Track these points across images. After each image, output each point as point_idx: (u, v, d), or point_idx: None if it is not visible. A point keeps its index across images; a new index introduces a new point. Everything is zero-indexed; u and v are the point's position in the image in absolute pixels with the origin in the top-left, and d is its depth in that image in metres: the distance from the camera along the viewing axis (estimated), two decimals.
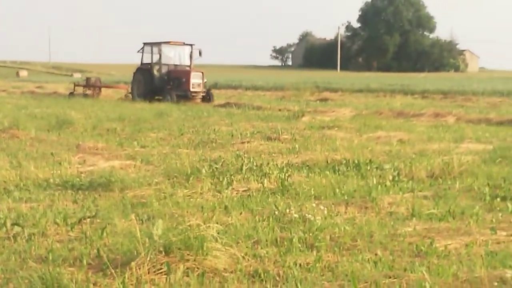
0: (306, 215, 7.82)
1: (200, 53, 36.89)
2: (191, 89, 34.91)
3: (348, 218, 7.97)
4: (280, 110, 27.78)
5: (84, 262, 6.01)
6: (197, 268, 5.85)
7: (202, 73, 36.09)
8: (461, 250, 6.67)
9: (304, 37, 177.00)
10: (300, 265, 6.06)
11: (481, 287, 5.14)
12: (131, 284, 5.43)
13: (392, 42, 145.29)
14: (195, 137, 16.54)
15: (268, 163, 11.58)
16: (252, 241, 6.86)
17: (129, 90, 38.62)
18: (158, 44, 36.53)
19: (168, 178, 10.42)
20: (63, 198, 9.09)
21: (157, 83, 36.07)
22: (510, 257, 6.41)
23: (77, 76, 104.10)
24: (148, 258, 5.73)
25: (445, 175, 10.89)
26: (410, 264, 6.08)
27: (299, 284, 5.50)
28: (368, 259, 6.22)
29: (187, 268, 5.81)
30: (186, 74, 35.58)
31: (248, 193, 9.46)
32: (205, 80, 36.27)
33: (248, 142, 15.46)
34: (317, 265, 6.07)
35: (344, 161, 11.94)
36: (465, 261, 6.19)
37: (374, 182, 10.15)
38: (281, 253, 6.46)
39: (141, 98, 35.26)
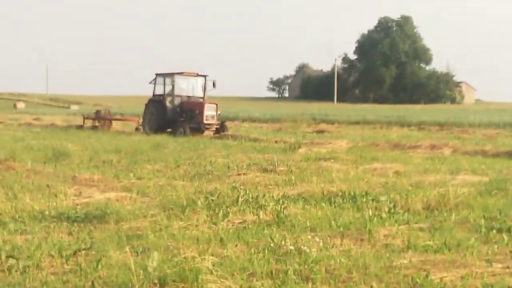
0: (302, 247, 7.80)
1: (214, 85, 36.29)
2: (205, 121, 34.17)
3: (343, 250, 7.95)
4: (276, 142, 27.79)
5: None
6: None
7: (216, 104, 35.35)
8: (457, 282, 6.66)
9: (301, 68, 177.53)
10: None
11: None
12: None
13: (388, 74, 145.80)
14: (191, 168, 16.53)
15: (264, 195, 11.58)
16: (247, 273, 6.84)
17: (140, 123, 37.83)
18: (171, 75, 35.86)
19: (164, 210, 10.42)
20: (58, 230, 9.07)
21: (170, 115, 35.26)
22: None
23: (74, 107, 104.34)
24: None
25: (441, 207, 10.89)
26: None
27: None
28: None
29: None
30: (200, 106, 34.85)
31: (244, 225, 9.44)
32: (219, 112, 35.60)
33: (244, 174, 15.44)
34: None
35: (340, 193, 11.94)
36: None
37: (370, 214, 10.14)
38: (277, 285, 6.45)
39: (153, 131, 34.51)
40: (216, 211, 10.11)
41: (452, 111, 77.75)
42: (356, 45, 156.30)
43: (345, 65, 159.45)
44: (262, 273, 6.83)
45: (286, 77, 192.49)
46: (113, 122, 41.07)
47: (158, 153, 21.16)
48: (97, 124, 39.82)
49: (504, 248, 8.22)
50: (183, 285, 5.94)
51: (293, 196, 11.96)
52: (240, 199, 11.03)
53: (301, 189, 12.69)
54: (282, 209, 10.32)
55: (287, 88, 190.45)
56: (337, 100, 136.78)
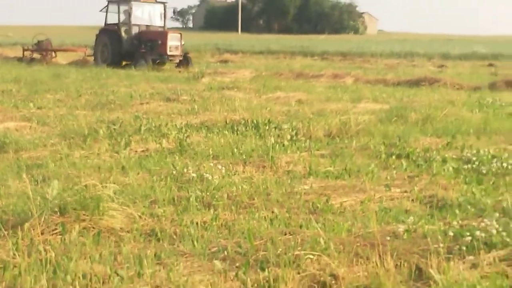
0: (204, 174, 7.81)
1: (174, 12, 34.66)
2: (169, 53, 31.58)
3: (245, 177, 7.99)
4: (179, 71, 27.64)
5: None
6: (93, 228, 5.78)
7: (181, 34, 33.23)
8: (356, 206, 6.79)
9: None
10: (197, 223, 6.04)
11: (374, 241, 5.21)
12: (25, 245, 5.32)
13: (292, 4, 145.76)
14: (93, 98, 16.32)
15: (167, 124, 11.54)
16: (149, 200, 6.81)
17: (86, 54, 34.96)
18: (127, 2, 32.49)
19: (65, 139, 10.25)
20: None
21: (126, 46, 32.33)
22: (403, 213, 6.57)
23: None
24: (43, 219, 5.63)
25: (342, 134, 11.06)
26: (306, 221, 6.12)
27: (195, 242, 5.49)
28: (265, 217, 6.26)
29: (83, 228, 5.73)
30: (162, 35, 32.05)
31: (146, 154, 9.41)
32: (183, 43, 32.95)
33: (147, 103, 15.37)
34: (214, 223, 6.08)
35: (243, 121, 11.98)
36: (360, 217, 6.29)
37: (272, 141, 10.17)
38: (178, 212, 6.45)
39: (107, 63, 31.53)
40: (118, 140, 10.02)
41: (355, 41, 78.53)
42: None
43: None
44: (164, 200, 6.81)
45: (190, 7, 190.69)
46: (57, 53, 36.66)
47: (59, 82, 20.79)
48: (34, 56, 35.36)
49: (402, 173, 8.41)
50: (84, 212, 5.87)
51: (196, 125, 11.95)
52: (142, 128, 10.97)
53: (204, 117, 12.68)
54: (185, 138, 10.31)
55: (191, 18, 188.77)
56: (242, 31, 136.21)
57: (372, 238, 5.36)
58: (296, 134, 10.96)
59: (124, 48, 32.34)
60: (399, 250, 5.16)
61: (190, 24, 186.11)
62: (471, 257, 5.07)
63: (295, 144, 10.22)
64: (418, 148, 9.90)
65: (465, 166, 8.66)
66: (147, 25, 33.21)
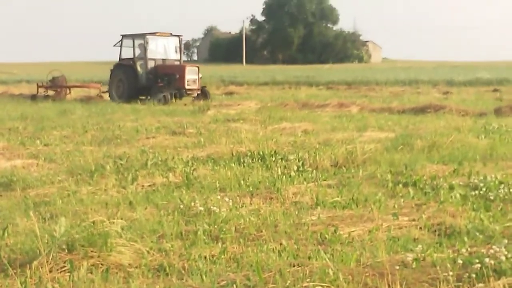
0: (211, 207, 7.81)
1: (188, 46, 34.47)
2: (187, 86, 30.78)
3: (253, 209, 7.99)
4: (185, 104, 27.73)
5: None
6: (101, 264, 5.79)
7: (198, 67, 32.44)
8: (364, 236, 6.78)
9: (209, 31, 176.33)
10: (205, 257, 6.05)
11: (383, 271, 5.20)
12: (33, 284, 5.33)
13: (296, 34, 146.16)
14: (99, 133, 16.35)
15: (173, 158, 11.57)
16: (157, 235, 6.81)
17: (102, 90, 34.05)
18: (142, 35, 31.98)
19: (72, 175, 10.26)
20: None
21: (143, 81, 31.68)
22: (411, 241, 6.56)
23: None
24: (51, 257, 5.64)
25: (349, 163, 11.05)
26: (314, 252, 6.12)
27: (204, 276, 5.49)
28: (273, 249, 6.26)
29: (91, 265, 5.74)
30: (180, 69, 31.30)
31: (153, 188, 9.41)
32: (200, 76, 32.19)
33: (153, 137, 15.39)
34: (222, 256, 6.08)
35: (249, 153, 11.98)
36: (368, 247, 6.28)
37: (279, 172, 10.23)
38: (186, 246, 6.44)
39: (124, 98, 30.69)
40: (125, 175, 10.03)
41: (360, 70, 78.71)
42: (264, 6, 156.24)
43: (253, 27, 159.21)
44: (172, 234, 6.81)
45: (195, 40, 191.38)
46: (71, 90, 35.64)
47: (65, 119, 20.85)
48: (49, 93, 34.35)
49: (410, 201, 8.40)
50: (92, 249, 5.88)
51: (202, 158, 11.96)
52: (149, 162, 10.98)
53: (211, 150, 12.69)
54: (191, 171, 10.32)
55: (195, 51, 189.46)
56: (246, 62, 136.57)
57: (381, 268, 5.35)
58: (303, 164, 10.97)
59: (140, 83, 31.79)
60: (408, 279, 5.15)
61: (195, 57, 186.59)
62: (481, 285, 5.06)
63: (301, 174, 10.22)
64: (425, 175, 9.89)
65: (473, 193, 8.65)
66: (163, 59, 32.55)
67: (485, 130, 15.70)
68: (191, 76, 31.12)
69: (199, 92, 31.41)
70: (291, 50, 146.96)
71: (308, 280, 5.10)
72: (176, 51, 33.05)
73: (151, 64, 31.89)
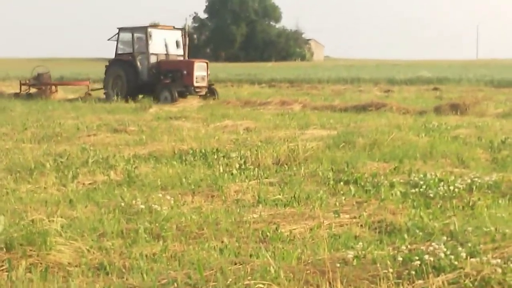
0: (153, 205, 7.77)
1: (195, 40, 32.62)
2: (195, 84, 28.38)
3: (194, 207, 7.98)
4: (127, 102, 27.52)
5: None
6: (41, 263, 5.73)
7: (207, 63, 29.86)
8: (306, 234, 6.80)
9: None
10: (146, 255, 6.02)
11: (324, 268, 5.22)
12: None
13: (239, 32, 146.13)
14: (40, 131, 16.10)
15: (114, 155, 11.51)
16: (98, 234, 6.76)
17: (90, 88, 32.21)
18: (143, 28, 29.66)
19: (11, 173, 10.12)
20: None
21: (144, 78, 29.29)
22: (352, 238, 6.61)
23: None
24: None
25: (291, 161, 11.08)
26: (255, 250, 6.13)
27: (145, 275, 5.45)
28: (214, 247, 6.25)
29: (30, 264, 5.68)
30: (189, 65, 28.72)
31: (94, 186, 9.34)
32: (208, 73, 29.75)
33: (94, 135, 15.24)
34: (163, 255, 6.06)
35: (191, 151, 11.96)
36: (309, 245, 6.31)
37: (221, 170, 10.23)
38: (127, 244, 6.41)
39: (123, 97, 28.17)
40: (65, 173, 9.94)
41: (302, 68, 78.91)
42: (206, 3, 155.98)
43: (196, 24, 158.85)
44: (112, 232, 6.76)
45: None
46: (57, 88, 33.04)
47: (4, 116, 20.50)
48: (31, 91, 32.09)
49: (351, 199, 8.46)
50: (30, 248, 5.81)
51: (144, 156, 11.90)
52: (90, 160, 10.91)
53: (152, 148, 12.64)
54: (133, 169, 10.26)
55: None
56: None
57: (322, 265, 5.37)
58: (245, 162, 10.96)
59: (141, 79, 29.40)
60: (349, 276, 5.18)
61: None
62: (420, 281, 5.11)
63: (243, 172, 10.22)
64: (366, 173, 9.97)
65: (413, 190, 8.73)
66: (165, 54, 30.04)
67: (425, 128, 15.86)
68: (200, 72, 28.91)
69: (206, 89, 29.27)
70: (234, 47, 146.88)
71: (249, 278, 5.09)
72: (178, 46, 30.49)
73: (153, 59, 29.50)
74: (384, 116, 19.51)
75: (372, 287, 5.03)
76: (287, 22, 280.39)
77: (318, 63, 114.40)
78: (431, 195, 8.49)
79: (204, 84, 28.92)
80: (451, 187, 8.69)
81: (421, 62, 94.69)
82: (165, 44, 29.90)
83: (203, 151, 11.90)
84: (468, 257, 5.43)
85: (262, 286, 4.96)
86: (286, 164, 10.95)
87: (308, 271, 5.27)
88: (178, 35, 30.72)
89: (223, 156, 11.53)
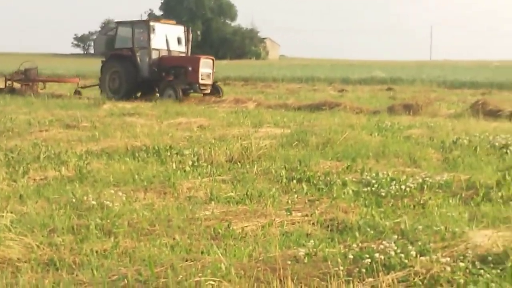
0: (105, 202, 7.72)
1: (198, 36, 31.12)
2: (200, 81, 27.11)
3: (147, 203, 7.93)
4: (80, 98, 27.30)
5: None
6: None
7: (213, 60, 28.65)
8: (258, 231, 6.80)
9: (106, 24, 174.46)
10: (97, 252, 5.98)
11: (275, 266, 5.23)
12: None
13: (194, 30, 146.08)
14: None
15: (66, 151, 11.43)
16: (48, 229, 6.69)
17: (78, 86, 31.45)
18: (145, 22, 28.87)
19: None
20: None
21: (145, 74, 28.03)
22: (303, 236, 6.62)
23: None
24: None
25: (244, 159, 11.08)
26: (207, 247, 6.11)
27: (95, 271, 5.41)
28: (166, 244, 6.22)
29: None
30: (194, 61, 27.49)
31: (45, 182, 9.24)
32: (214, 70, 28.62)
33: (46, 130, 15.08)
34: (114, 251, 6.02)
35: (144, 148, 11.94)
36: (261, 242, 6.32)
37: (174, 167, 10.20)
38: (78, 240, 6.35)
39: (120, 94, 27.42)
40: (16, 168, 9.83)
41: (257, 66, 79.00)
42: (162, 1, 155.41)
43: None
44: (63, 228, 6.69)
45: (91, 33, 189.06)
46: (45, 84, 32.01)
47: None
48: (15, 86, 30.79)
49: (303, 197, 8.47)
50: None
51: (96, 152, 11.82)
52: (41, 156, 10.83)
53: (105, 144, 12.56)
54: (85, 165, 10.18)
55: (92, 44, 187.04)
56: None
57: (273, 263, 5.39)
58: (198, 159, 10.95)
59: (141, 76, 28.09)
60: (300, 274, 5.19)
61: (91, 50, 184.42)
62: (371, 279, 5.14)
63: (196, 169, 10.21)
64: (319, 171, 10.00)
65: (365, 189, 8.78)
66: (168, 50, 28.78)
67: (378, 127, 15.95)
68: (206, 69, 27.63)
69: (211, 88, 28.05)
70: None
71: (200, 274, 5.08)
72: (179, 42, 29.18)
73: (155, 55, 28.22)
74: (338, 115, 19.60)
75: (323, 284, 5.05)
76: (242, 20, 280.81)
77: (273, 62, 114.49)
78: (383, 194, 8.54)
79: (210, 82, 27.78)
80: (403, 186, 8.74)
81: (376, 63, 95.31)
82: (166, 39, 28.62)
83: (156, 148, 11.86)
84: (418, 256, 5.47)
85: (213, 283, 4.96)
86: (239, 162, 10.95)
87: (259, 268, 5.28)
88: (180, 31, 29.59)
89: (176, 153, 11.50)
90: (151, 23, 28.20)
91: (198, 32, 27.15)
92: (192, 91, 27.39)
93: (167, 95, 26.58)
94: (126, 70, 28.09)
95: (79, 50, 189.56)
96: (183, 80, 27.05)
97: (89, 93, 30.00)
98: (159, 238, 6.45)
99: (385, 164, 10.94)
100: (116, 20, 29.74)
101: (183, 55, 29.03)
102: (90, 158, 11.01)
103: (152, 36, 27.95)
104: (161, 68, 27.70)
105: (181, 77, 27.08)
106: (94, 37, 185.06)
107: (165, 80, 27.19)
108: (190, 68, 27.07)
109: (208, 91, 27.67)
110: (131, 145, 12.23)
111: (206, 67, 27.63)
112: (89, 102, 23.57)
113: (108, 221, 6.97)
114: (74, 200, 7.89)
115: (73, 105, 22.90)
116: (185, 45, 29.35)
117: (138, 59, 28.15)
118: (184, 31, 29.47)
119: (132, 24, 29.06)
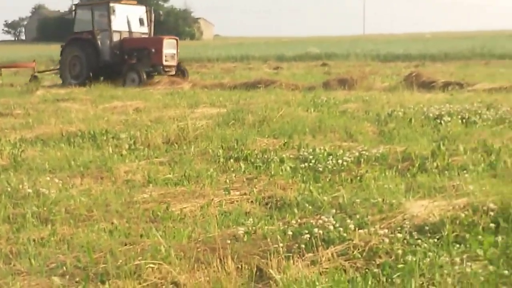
0: (40, 189, 7.60)
1: (161, 16, 28.93)
2: (164, 63, 26.38)
3: (83, 189, 7.85)
4: (12, 85, 26.87)
5: None
6: None
7: (177, 40, 27.83)
8: (196, 212, 6.80)
9: (37, 10, 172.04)
10: (34, 240, 5.89)
11: (215, 246, 5.23)
12: None
13: None
14: None
15: (0, 140, 11.21)
16: None
17: (36, 70, 30.27)
18: (104, 4, 27.39)
19: None
20: None
21: (106, 58, 27.18)
22: (242, 215, 6.64)
23: None
24: None
25: (181, 140, 11.05)
26: (146, 230, 6.08)
27: (33, 260, 5.34)
28: (104, 229, 6.18)
29: None
30: (157, 42, 26.72)
31: None
32: (178, 51, 27.66)
33: None
34: (52, 239, 5.95)
35: (80, 133, 11.83)
36: (200, 223, 6.31)
37: (110, 151, 10.12)
38: (14, 229, 6.27)
39: (81, 79, 26.37)
40: None
41: (192, 47, 78.65)
42: None
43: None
44: None
45: (22, 19, 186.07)
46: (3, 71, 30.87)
47: None
48: None
49: (241, 176, 8.48)
50: None
51: (31, 139, 11.68)
52: None
53: (39, 131, 12.41)
54: (19, 153, 10.01)
55: (23, 30, 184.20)
56: None
57: (212, 243, 5.39)
58: (135, 143, 10.87)
59: (102, 60, 27.29)
60: (240, 252, 5.20)
61: (23, 36, 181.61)
62: (310, 254, 5.18)
63: (133, 153, 10.15)
64: (256, 150, 10.01)
65: (302, 165, 8.81)
66: (130, 32, 28.03)
67: (314, 103, 16.02)
68: (169, 50, 26.90)
69: (176, 69, 27.27)
70: None
71: (140, 258, 5.05)
72: (141, 23, 28.41)
73: (116, 37, 27.41)
74: (274, 92, 19.67)
75: (263, 262, 5.05)
76: (175, 1, 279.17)
77: (207, 42, 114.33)
78: (320, 169, 8.58)
79: (174, 63, 27.05)
80: (340, 161, 8.80)
81: (310, 39, 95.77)
82: (128, 20, 27.87)
83: (91, 132, 11.76)
84: (357, 229, 5.52)
85: (153, 266, 4.94)
86: (176, 143, 10.91)
87: (199, 249, 5.28)
88: (142, 11, 28.75)
89: (113, 137, 11.41)
90: (111, 4, 27.13)
91: (161, 12, 26.45)
92: (156, 73, 26.52)
93: (131, 80, 25.76)
94: (86, 54, 27.24)
95: (10, 37, 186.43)
96: (146, 62, 26.32)
97: (19, 80, 29.41)
98: (97, 223, 6.40)
99: (322, 140, 11.01)
100: (74, 3, 28.72)
101: (146, 36, 28.38)
102: (24, 145, 10.85)
103: (112, 17, 27.14)
104: (123, 50, 26.96)
105: (144, 60, 26.37)
106: (25, 23, 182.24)
107: (128, 63, 26.48)
108: (153, 50, 26.32)
109: (173, 72, 26.93)
110: (66, 131, 12.10)
111: (169, 47, 26.95)
112: (22, 89, 23.21)
113: (45, 208, 6.89)
114: (9, 189, 7.77)
115: (5, 92, 22.54)
116: (147, 26, 28.63)
117: (99, 42, 27.39)
118: (146, 11, 28.72)
119: (91, 6, 28.33)
